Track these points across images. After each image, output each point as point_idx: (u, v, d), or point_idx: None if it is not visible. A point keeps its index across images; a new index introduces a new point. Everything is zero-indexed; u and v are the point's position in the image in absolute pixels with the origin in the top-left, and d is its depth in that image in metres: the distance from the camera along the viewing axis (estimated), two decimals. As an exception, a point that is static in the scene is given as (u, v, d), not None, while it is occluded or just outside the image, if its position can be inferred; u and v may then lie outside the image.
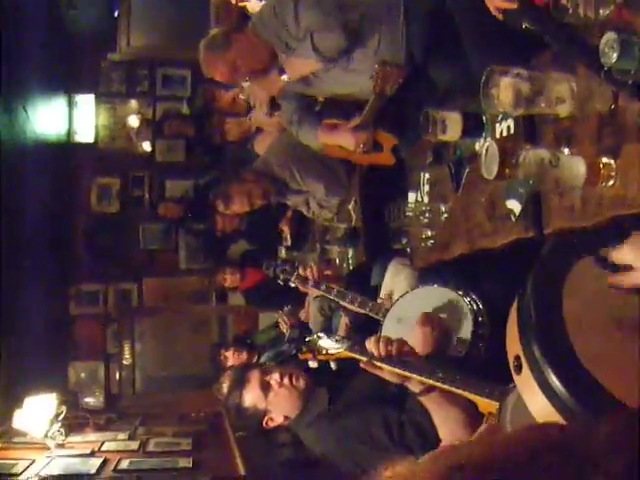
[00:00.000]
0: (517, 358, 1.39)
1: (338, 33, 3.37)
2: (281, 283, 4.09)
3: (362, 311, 3.50)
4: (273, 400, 3.22)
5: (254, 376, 3.31)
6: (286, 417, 3.23)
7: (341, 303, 3.65)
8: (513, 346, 1.41)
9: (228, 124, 6.86)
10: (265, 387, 3.24)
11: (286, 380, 3.23)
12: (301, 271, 3.79)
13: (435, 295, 3.05)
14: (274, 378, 3.25)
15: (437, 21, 3.22)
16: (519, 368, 1.38)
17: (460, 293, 2.94)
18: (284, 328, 5.42)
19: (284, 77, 3.80)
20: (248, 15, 5.41)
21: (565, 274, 1.48)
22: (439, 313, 2.95)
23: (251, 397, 3.28)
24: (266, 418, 3.26)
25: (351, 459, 2.89)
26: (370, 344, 2.51)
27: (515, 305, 1.48)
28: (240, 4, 5.42)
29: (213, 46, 3.74)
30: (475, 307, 2.88)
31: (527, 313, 1.39)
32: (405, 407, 2.78)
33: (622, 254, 1.46)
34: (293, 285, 3.97)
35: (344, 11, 3.44)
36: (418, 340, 2.78)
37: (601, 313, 1.40)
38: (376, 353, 2.46)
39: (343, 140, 3.87)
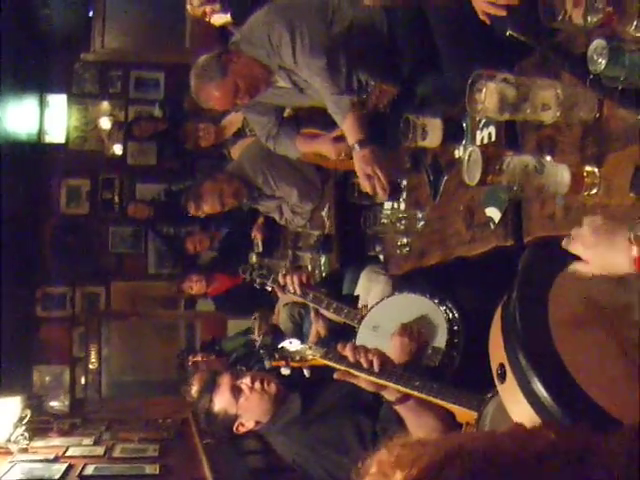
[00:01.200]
0: (501, 366, 1.36)
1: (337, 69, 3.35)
2: (257, 286, 4.06)
3: (337, 317, 3.47)
4: (244, 405, 3.19)
5: (224, 380, 3.26)
6: (257, 422, 3.20)
7: (317, 308, 3.63)
8: (497, 354, 1.38)
9: (202, 130, 6.80)
10: (236, 391, 3.20)
11: (257, 384, 3.20)
12: (280, 279, 3.74)
13: (411, 303, 3.03)
14: (245, 382, 3.21)
15: (419, 32, 3.22)
16: (503, 376, 1.35)
17: (436, 301, 2.93)
18: (257, 335, 5.37)
19: None
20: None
21: (550, 281, 1.45)
22: (415, 321, 2.93)
23: (221, 402, 3.23)
24: (237, 423, 3.22)
25: (322, 467, 2.86)
26: (345, 351, 2.48)
27: (499, 313, 1.45)
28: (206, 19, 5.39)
29: (209, 75, 3.55)
30: (450, 316, 2.87)
31: (512, 321, 1.36)
32: (379, 416, 2.75)
33: (574, 245, 1.45)
34: (269, 289, 3.94)
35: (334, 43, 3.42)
36: (395, 350, 2.76)
37: (587, 320, 1.38)
38: (352, 359, 2.43)
39: (324, 149, 3.89)
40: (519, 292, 1.40)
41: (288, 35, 3.36)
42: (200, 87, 3.62)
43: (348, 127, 3.34)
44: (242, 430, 3.23)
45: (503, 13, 2.42)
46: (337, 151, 3.78)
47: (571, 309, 1.38)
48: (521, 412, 1.34)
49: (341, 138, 3.65)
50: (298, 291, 3.61)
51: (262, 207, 5.16)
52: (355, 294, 3.73)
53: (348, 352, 2.47)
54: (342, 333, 3.44)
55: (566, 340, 1.31)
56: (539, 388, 1.28)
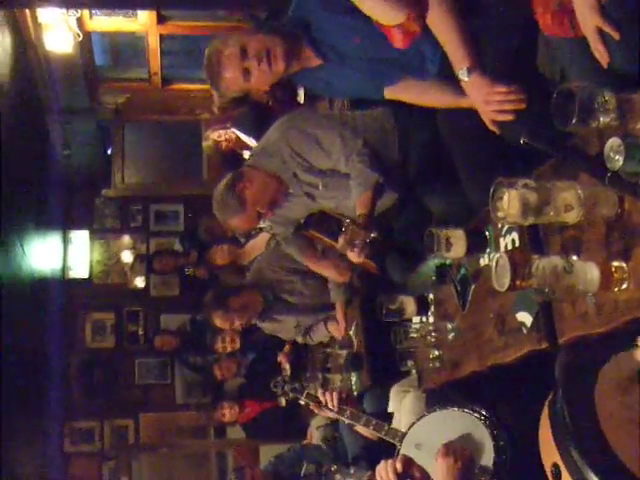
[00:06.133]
0: (555, 465, 1.34)
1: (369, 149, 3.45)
2: (288, 400, 4.04)
3: (377, 435, 3.40)
4: None
5: None
6: None
7: (355, 426, 3.58)
8: (549, 454, 1.36)
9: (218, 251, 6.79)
10: None
11: None
12: (320, 396, 3.71)
13: (453, 419, 2.95)
14: None
15: (433, 149, 3.30)
16: (558, 476, 1.33)
17: (478, 416, 2.86)
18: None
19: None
20: (237, 154, 5.53)
21: (594, 378, 1.45)
22: (460, 438, 2.85)
23: None
24: None
25: None
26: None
27: (546, 412, 1.44)
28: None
29: (229, 210, 3.71)
30: (495, 431, 2.80)
31: (561, 419, 1.36)
32: None
33: None
34: (303, 403, 3.90)
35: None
36: (442, 472, 2.67)
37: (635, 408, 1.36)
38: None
39: (327, 273, 4.19)
40: (565, 391, 1.40)
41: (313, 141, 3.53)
42: (225, 220, 3.80)
43: (365, 200, 3.39)
44: None
45: (511, 118, 2.49)
46: (339, 275, 4.10)
47: (618, 400, 1.36)
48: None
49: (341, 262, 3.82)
50: (337, 408, 3.58)
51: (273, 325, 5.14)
52: (389, 411, 3.68)
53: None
54: (381, 451, 3.36)
55: (617, 431, 1.30)
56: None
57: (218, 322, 4.97)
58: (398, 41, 2.67)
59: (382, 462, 2.56)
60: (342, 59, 3.01)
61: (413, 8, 2.53)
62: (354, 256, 3.24)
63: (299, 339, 5.09)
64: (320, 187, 3.63)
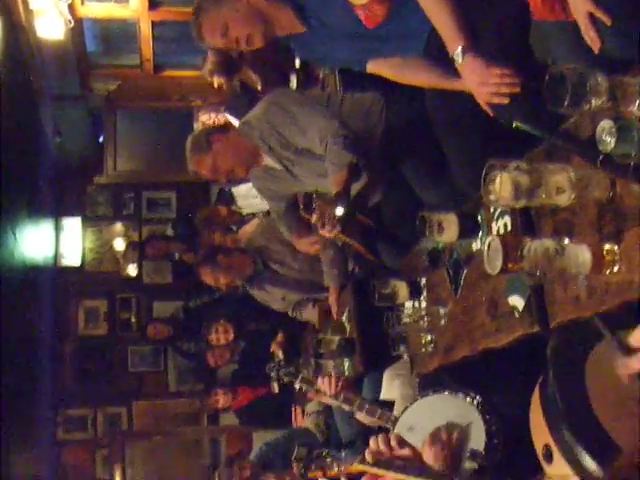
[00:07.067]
0: (546, 447, 1.34)
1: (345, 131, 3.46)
2: (283, 384, 4.05)
3: (370, 419, 3.42)
4: None
5: None
6: None
7: (348, 409, 3.59)
8: (540, 435, 1.37)
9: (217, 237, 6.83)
10: None
11: None
12: (319, 382, 3.73)
13: (446, 403, 2.96)
14: None
15: (421, 136, 3.30)
16: (550, 457, 1.34)
17: (470, 400, 2.87)
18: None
19: None
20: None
21: (584, 358, 1.45)
22: (450, 423, 2.85)
23: None
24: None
25: None
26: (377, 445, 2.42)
27: (536, 394, 1.44)
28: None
29: (195, 147, 3.85)
30: (487, 416, 2.80)
31: (552, 400, 1.36)
32: None
33: None
34: (297, 387, 3.92)
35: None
36: (429, 460, 2.67)
37: (625, 388, 1.36)
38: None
39: (311, 250, 4.21)
40: (555, 372, 1.40)
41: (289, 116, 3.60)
42: (188, 156, 3.90)
43: (339, 178, 3.39)
44: None
45: (506, 101, 2.48)
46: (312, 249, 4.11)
47: (609, 380, 1.36)
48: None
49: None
50: (331, 392, 3.60)
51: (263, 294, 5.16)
52: (382, 397, 3.69)
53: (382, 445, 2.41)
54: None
55: (608, 411, 1.30)
56: (589, 463, 1.28)
57: (205, 278, 5.13)
58: (364, 20, 2.73)
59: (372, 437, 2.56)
60: (325, 28, 3.02)
61: None
62: (325, 232, 3.27)
63: (289, 312, 5.11)
64: (294, 164, 3.69)
